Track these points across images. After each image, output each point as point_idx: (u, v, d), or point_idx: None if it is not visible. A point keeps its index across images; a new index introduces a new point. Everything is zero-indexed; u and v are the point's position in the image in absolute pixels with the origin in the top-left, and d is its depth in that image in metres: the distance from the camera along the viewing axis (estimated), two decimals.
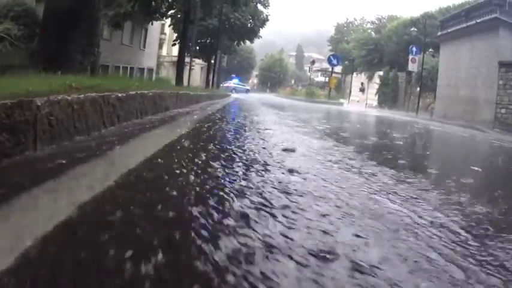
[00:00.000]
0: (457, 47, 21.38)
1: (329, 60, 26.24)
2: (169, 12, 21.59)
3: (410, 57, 26.17)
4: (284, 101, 20.82)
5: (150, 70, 30.68)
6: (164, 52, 44.04)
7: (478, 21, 19.30)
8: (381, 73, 38.50)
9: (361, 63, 43.58)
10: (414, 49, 26.24)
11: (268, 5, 30.69)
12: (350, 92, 44.41)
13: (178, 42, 30.15)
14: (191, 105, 7.41)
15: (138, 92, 3.66)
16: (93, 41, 5.64)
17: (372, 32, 45.36)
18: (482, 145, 7.60)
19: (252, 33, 30.42)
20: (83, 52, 5.28)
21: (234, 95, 24.89)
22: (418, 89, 26.57)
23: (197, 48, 31.09)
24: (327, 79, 59.19)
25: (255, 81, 66.96)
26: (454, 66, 21.42)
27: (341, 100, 44.29)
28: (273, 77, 59.12)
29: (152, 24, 24.43)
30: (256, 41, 41.81)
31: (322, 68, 59.77)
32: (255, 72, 68.51)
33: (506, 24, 17.72)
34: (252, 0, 23.31)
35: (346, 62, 44.98)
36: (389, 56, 38.80)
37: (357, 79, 46.26)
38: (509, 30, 17.70)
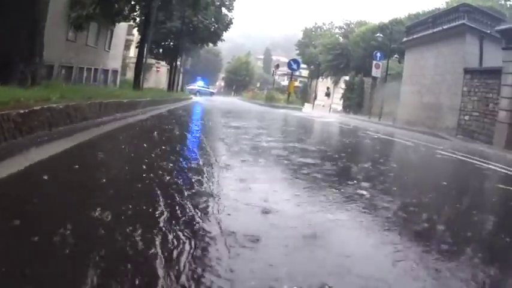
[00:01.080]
0: (423, 53, 21.13)
1: (289, 65, 25.62)
2: (133, 15, 20.94)
3: (374, 62, 25.88)
4: (243, 105, 20.08)
5: (115, 72, 30.06)
6: (132, 54, 42.42)
7: (445, 27, 19.04)
8: (347, 78, 38.33)
9: (327, 68, 43.37)
10: (378, 54, 25.98)
11: (233, 9, 30.02)
12: (315, 96, 44.08)
13: (138, 44, 29.00)
14: (130, 112, 6.46)
15: (45, 106, 3.69)
16: (35, 50, 5.58)
17: (340, 37, 45.28)
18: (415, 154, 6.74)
19: (215, 36, 29.68)
20: (24, 61, 5.29)
21: (196, 98, 23.99)
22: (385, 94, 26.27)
23: (160, 50, 29.97)
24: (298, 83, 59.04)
25: (222, 84, 65.89)
26: (418, 72, 21.15)
27: (305, 104, 43.96)
28: (239, 80, 58.23)
29: (119, 23, 23.04)
30: (225, 43, 40.91)
31: (288, 72, 59.53)
32: (221, 75, 67.48)
33: (473, 30, 17.50)
34: (212, 4, 22.31)
35: (312, 67, 44.66)
36: (356, 62, 38.72)
37: (323, 84, 46.05)
38: (476, 37, 17.48)
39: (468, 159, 5.92)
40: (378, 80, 27.96)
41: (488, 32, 17.15)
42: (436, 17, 20.41)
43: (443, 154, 6.24)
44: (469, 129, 16.19)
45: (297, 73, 65.51)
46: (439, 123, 18.21)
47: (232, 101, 27.08)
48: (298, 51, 51.07)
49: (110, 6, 17.69)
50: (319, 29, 50.81)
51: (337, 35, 46.31)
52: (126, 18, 20.71)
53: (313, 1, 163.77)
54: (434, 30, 19.89)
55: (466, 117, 16.54)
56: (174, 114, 9.45)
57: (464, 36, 17.64)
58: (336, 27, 48.42)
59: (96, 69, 25.27)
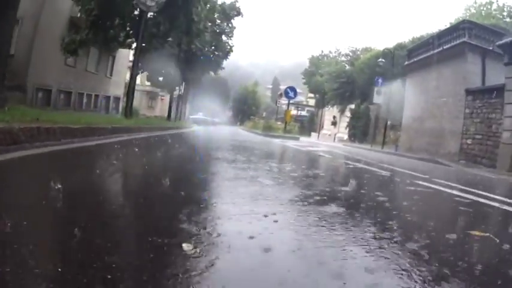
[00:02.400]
0: (424, 76, 20.06)
1: (285, 93, 24.68)
2: (128, 41, 20.37)
3: (376, 88, 24.82)
4: (238, 135, 19.05)
5: (118, 99, 29.77)
6: (138, 81, 42.49)
7: (446, 47, 17.99)
8: (353, 106, 37.30)
9: (333, 97, 42.44)
10: (380, 80, 24.98)
11: (232, 36, 29.63)
12: (320, 125, 43.03)
13: (138, 71, 28.83)
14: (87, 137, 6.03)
15: None
16: None
17: (346, 65, 44.56)
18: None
19: (215, 64, 29.19)
20: None
21: (196, 128, 23.34)
22: (389, 121, 25.10)
23: (160, 78, 29.71)
24: (300, 112, 58.20)
25: (229, 113, 65.58)
26: (420, 96, 20.00)
27: (312, 134, 42.83)
28: (246, 109, 57.73)
29: (116, 49, 22.78)
30: (235, 72, 40.29)
31: (295, 102, 58.82)
32: (230, 104, 67.31)
33: (475, 48, 16.44)
34: (205, 31, 21.89)
35: (317, 96, 43.85)
36: (362, 89, 37.72)
37: (330, 113, 45.06)
38: (478, 55, 16.42)
39: (448, 190, 4.64)
40: (381, 107, 26.82)
41: (491, 48, 16.02)
42: (436, 38, 19.42)
43: (418, 185, 4.87)
44: (472, 153, 14.85)
45: (304, 102, 65.16)
46: (441, 148, 16.89)
47: (232, 130, 26.25)
48: (304, 80, 50.51)
49: (102, 31, 17.33)
50: (325, 57, 50.30)
51: (343, 63, 45.58)
52: (122, 45, 20.24)
53: (323, 29, 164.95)
54: (435, 51, 18.86)
55: (469, 141, 15.22)
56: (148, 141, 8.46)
57: (465, 55, 16.56)
58: (342, 54, 47.79)
59: (96, 96, 25.07)
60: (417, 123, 19.61)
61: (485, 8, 35.68)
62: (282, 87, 73.27)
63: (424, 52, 20.19)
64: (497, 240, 2.24)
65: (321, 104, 45.72)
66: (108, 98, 27.29)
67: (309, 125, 48.12)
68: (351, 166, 7.52)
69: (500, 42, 14.09)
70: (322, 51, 50.93)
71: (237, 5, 29.55)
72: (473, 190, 4.94)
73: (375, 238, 2.03)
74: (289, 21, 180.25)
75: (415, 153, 17.71)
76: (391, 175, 6.30)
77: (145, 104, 46.13)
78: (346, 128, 37.38)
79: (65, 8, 17.81)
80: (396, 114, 22.93)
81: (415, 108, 20.30)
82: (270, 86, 73.46)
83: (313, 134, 45.28)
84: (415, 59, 21.12)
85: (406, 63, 22.44)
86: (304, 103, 60.01)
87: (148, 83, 35.65)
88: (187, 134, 14.60)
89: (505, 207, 3.75)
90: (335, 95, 42.09)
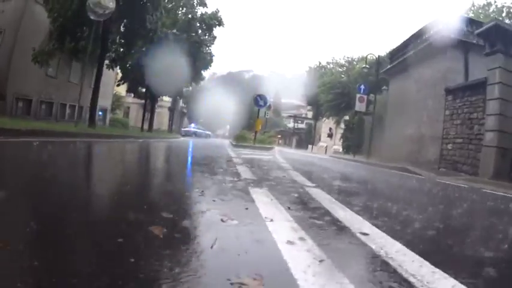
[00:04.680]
0: (405, 80, 17.87)
1: (255, 101, 22.55)
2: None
3: (358, 96, 22.61)
4: (210, 146, 17.12)
5: (105, 110, 29.56)
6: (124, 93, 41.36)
7: (425, 44, 15.77)
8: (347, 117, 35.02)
9: (328, 108, 40.15)
10: (362, 87, 22.80)
11: (210, 45, 27.96)
12: (313, 137, 40.77)
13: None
14: None
15: None
16: None
17: (342, 75, 42.30)
18: None
19: (194, 75, 27.47)
20: None
21: (182, 139, 21.55)
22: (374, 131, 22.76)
23: (143, 90, 28.11)
24: (298, 125, 55.97)
25: (228, 126, 63.76)
26: (401, 101, 17.78)
27: (308, 146, 40.52)
28: (243, 122, 55.54)
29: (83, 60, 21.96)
30: (237, 87, 38.54)
31: (295, 114, 56.73)
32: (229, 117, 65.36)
33: (455, 42, 14.14)
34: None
35: (309, 107, 41.66)
36: (355, 99, 35.44)
37: (326, 124, 42.78)
38: (460, 50, 14.15)
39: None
40: (364, 115, 24.54)
41: (475, 42, 13.73)
42: (415, 36, 17.19)
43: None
44: (452, 159, 12.51)
45: (303, 115, 62.85)
46: (421, 156, 14.56)
47: (212, 142, 24.23)
48: (303, 92, 48.30)
49: (71, 41, 16.85)
50: (323, 69, 48.06)
51: (341, 73, 43.31)
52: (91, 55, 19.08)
53: (324, 40, 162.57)
54: (414, 50, 16.63)
55: (449, 146, 12.89)
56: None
57: (446, 50, 14.30)
58: (339, 65, 45.50)
59: (81, 107, 24.47)
60: (398, 130, 17.33)
61: (483, 11, 33.30)
62: (284, 100, 71.45)
63: (404, 54, 17.99)
64: None
65: (317, 116, 43.47)
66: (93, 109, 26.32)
67: (307, 137, 45.81)
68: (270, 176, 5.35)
69: (480, 30, 11.85)
70: (320, 63, 48.67)
71: (219, 14, 27.83)
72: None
73: None
74: (293, 33, 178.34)
75: (396, 162, 15.38)
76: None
77: (141, 117, 44.94)
78: (339, 140, 35.02)
79: (44, 19, 17.02)
80: (380, 123, 20.65)
81: (396, 114, 18.06)
82: (271, 100, 71.33)
83: (311, 147, 42.99)
84: (395, 62, 18.92)
85: (388, 67, 20.27)
86: (303, 115, 57.73)
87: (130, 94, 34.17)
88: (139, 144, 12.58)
89: None
90: (330, 107, 39.83)
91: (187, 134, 39.17)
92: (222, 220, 2.10)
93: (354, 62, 42.29)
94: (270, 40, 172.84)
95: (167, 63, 25.71)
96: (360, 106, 22.49)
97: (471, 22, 15.13)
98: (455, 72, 14.00)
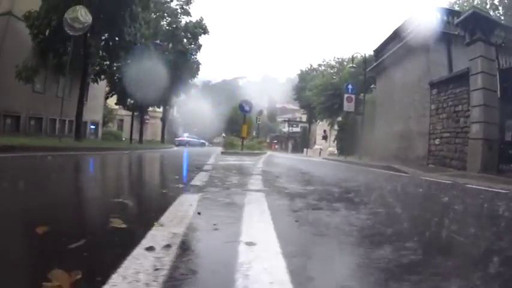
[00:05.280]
0: (391, 76, 17.42)
1: (240, 108, 22.13)
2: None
3: (346, 95, 22.15)
4: (197, 154, 16.71)
5: (96, 124, 29.32)
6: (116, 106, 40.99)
7: (407, 39, 15.32)
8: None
9: (321, 110, 39.70)
10: (350, 87, 22.34)
11: (196, 54, 27.73)
12: (308, 141, 40.26)
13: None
14: None
15: None
16: None
17: (334, 76, 41.90)
18: None
19: (182, 84, 27.14)
20: None
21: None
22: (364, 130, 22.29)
23: (132, 101, 27.73)
24: (292, 129, 55.47)
25: (223, 134, 63.25)
26: (388, 98, 17.35)
27: (304, 150, 40.05)
28: (238, 130, 55.11)
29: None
30: (232, 94, 38.06)
31: (289, 119, 56.31)
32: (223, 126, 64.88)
33: (436, 34, 13.70)
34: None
35: (304, 111, 41.24)
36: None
37: (320, 127, 42.31)
38: (443, 42, 13.68)
39: None
40: (356, 115, 24.08)
41: (457, 33, 13.27)
42: (398, 32, 16.76)
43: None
44: (440, 155, 12.02)
45: (298, 119, 62.34)
46: (411, 153, 14.07)
47: (203, 151, 23.72)
48: (295, 96, 47.94)
49: (54, 57, 16.73)
50: (315, 71, 47.71)
51: (332, 75, 42.91)
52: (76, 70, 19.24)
53: (314, 42, 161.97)
54: (397, 46, 16.19)
55: (436, 141, 12.41)
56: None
57: (428, 44, 13.83)
58: (330, 66, 45.12)
59: (71, 121, 23.97)
60: (387, 128, 16.85)
61: (468, 4, 32.92)
62: (279, 105, 71.11)
63: (388, 50, 17.54)
64: None
65: (311, 119, 42.98)
66: (85, 123, 25.98)
67: (302, 141, 45.29)
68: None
69: (459, 19, 11.43)
70: (311, 65, 48.30)
71: (203, 22, 27.57)
72: None
73: None
74: (285, 36, 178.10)
75: (387, 161, 14.88)
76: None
77: (136, 129, 44.67)
78: (333, 142, 34.54)
79: (27, 35, 16.85)
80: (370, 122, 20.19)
81: (384, 112, 17.59)
82: (266, 105, 71.07)
83: (307, 150, 42.46)
84: (380, 60, 18.49)
85: (373, 65, 19.84)
86: (298, 119, 57.20)
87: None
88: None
89: None
90: (323, 109, 39.39)
91: (181, 144, 38.75)
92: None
93: (345, 63, 41.94)
94: (261, 45, 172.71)
95: (152, 73, 25.38)
96: (348, 106, 22.02)
97: (452, 13, 14.70)
98: (439, 65, 13.55)
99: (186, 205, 2.65)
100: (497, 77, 10.24)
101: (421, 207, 3.80)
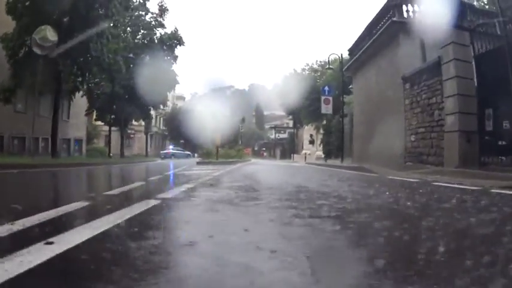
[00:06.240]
0: (365, 74, 16.62)
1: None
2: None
3: (323, 98, 21.27)
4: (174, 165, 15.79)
5: (80, 141, 28.89)
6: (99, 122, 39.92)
7: (378, 34, 14.49)
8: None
9: (307, 115, 38.85)
10: (326, 88, 21.51)
11: (175, 63, 26.93)
12: (296, 146, 39.30)
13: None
14: None
15: None
16: None
17: (318, 80, 41.04)
18: None
19: (158, 97, 26.27)
20: None
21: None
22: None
23: (111, 116, 26.74)
24: (279, 135, 54.52)
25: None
26: (364, 98, 16.50)
27: (292, 155, 39.08)
28: (230, 140, 54.10)
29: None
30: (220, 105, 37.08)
31: (276, 125, 55.41)
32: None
33: (405, 26, 12.81)
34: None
35: (290, 117, 40.36)
36: (335, 104, 34.14)
37: (307, 131, 41.41)
38: (409, 34, 12.75)
39: None
40: (341, 118, 23.14)
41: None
42: (369, 27, 15.91)
43: None
44: (417, 151, 11.09)
45: (285, 125, 61.42)
46: (388, 152, 13.09)
47: (183, 162, 22.69)
48: (280, 102, 46.93)
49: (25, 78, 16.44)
50: (299, 76, 46.73)
51: (316, 79, 42.03)
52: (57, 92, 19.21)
53: (300, 45, 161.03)
54: (369, 42, 15.34)
55: (412, 138, 11.49)
56: None
57: (398, 37, 13.01)
58: (312, 70, 44.25)
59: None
60: (365, 127, 15.94)
61: None
62: (266, 112, 70.19)
63: (362, 47, 16.69)
64: None
65: (297, 124, 42.07)
66: (68, 140, 26.47)
67: (290, 146, 44.29)
68: None
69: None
70: (295, 70, 47.32)
71: (178, 33, 26.68)
72: None
73: None
74: (271, 42, 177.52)
75: (366, 161, 13.97)
76: None
77: (123, 144, 43.63)
78: (319, 145, 33.62)
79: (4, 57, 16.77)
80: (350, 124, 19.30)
81: (361, 111, 16.72)
82: (254, 113, 70.07)
83: (295, 156, 41.47)
84: (354, 58, 17.65)
85: (348, 64, 19.01)
86: (285, 125, 56.21)
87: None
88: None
89: None
90: (308, 113, 38.58)
91: (166, 157, 37.68)
92: None
93: (332, 67, 40.98)
94: (248, 53, 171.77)
95: (128, 87, 24.49)
96: (326, 108, 21.14)
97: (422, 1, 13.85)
98: (412, 58, 12.63)
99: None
100: (473, 63, 9.33)
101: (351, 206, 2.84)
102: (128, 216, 2.32)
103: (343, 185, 5.58)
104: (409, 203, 3.36)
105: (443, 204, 3.28)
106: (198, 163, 17.49)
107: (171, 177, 7.82)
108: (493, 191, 4.25)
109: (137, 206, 2.81)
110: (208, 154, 21.50)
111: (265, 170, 12.51)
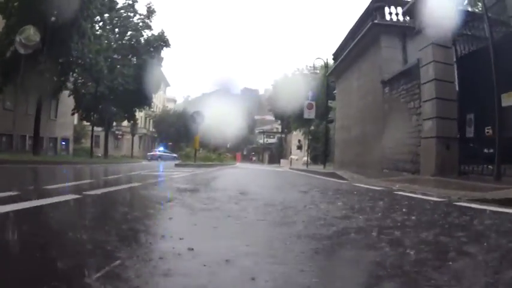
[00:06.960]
0: (348, 79, 16.05)
1: (192, 119, 20.60)
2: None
3: (306, 103, 20.67)
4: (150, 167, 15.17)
5: (66, 140, 29.32)
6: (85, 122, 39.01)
7: (359, 37, 13.89)
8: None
9: (295, 120, 38.20)
10: (310, 93, 20.92)
11: (160, 65, 26.32)
12: (284, 151, 38.65)
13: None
14: None
15: None
16: None
17: (308, 85, 40.43)
18: None
19: (143, 99, 25.57)
20: None
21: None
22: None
23: (95, 116, 25.88)
24: (268, 140, 53.85)
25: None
26: (346, 103, 15.93)
27: (281, 160, 38.42)
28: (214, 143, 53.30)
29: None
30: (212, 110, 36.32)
31: (264, 130, 54.76)
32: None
33: (390, 29, 12.24)
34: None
35: (279, 122, 39.69)
36: (320, 109, 33.59)
37: (295, 137, 40.80)
38: (396, 37, 12.22)
39: None
40: (328, 123, 22.58)
41: (411, 25, 11.77)
42: (353, 30, 15.32)
43: None
44: (394, 158, 10.44)
45: (274, 129, 60.76)
46: (367, 158, 12.48)
47: (164, 165, 21.90)
48: (269, 107, 46.34)
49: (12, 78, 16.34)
50: (289, 80, 46.11)
51: (305, 83, 41.40)
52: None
53: (295, 50, 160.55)
54: (351, 45, 14.76)
55: (390, 144, 10.81)
56: None
57: (379, 39, 12.41)
58: (302, 74, 43.65)
59: (41, 138, 23.66)
60: (345, 133, 15.34)
61: None
62: (257, 117, 69.46)
63: (344, 51, 16.10)
64: None
65: (285, 129, 41.44)
66: (55, 139, 26.71)
67: (278, 151, 43.65)
68: None
69: (405, 7, 9.97)
70: (285, 74, 46.70)
71: (164, 35, 26.06)
72: None
73: None
74: (265, 46, 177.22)
75: (346, 167, 13.28)
76: None
77: (112, 145, 42.66)
78: (306, 151, 32.95)
79: None
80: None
81: (343, 116, 16.11)
82: (245, 117, 69.08)
83: (282, 161, 40.79)
84: (336, 63, 17.07)
85: (331, 69, 18.43)
86: (275, 130, 55.53)
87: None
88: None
89: None
90: (297, 118, 37.91)
91: (153, 158, 36.84)
92: None
93: (317, 71, 40.59)
94: (241, 57, 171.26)
95: (113, 88, 23.71)
96: (308, 113, 20.50)
97: (405, 4, 13.31)
98: (393, 62, 12.06)
99: None
100: (455, 66, 8.70)
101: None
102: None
103: (295, 192, 4.90)
104: (336, 212, 2.74)
105: (374, 215, 2.67)
106: (176, 165, 16.77)
107: (125, 178, 7.13)
108: (457, 203, 3.58)
109: (49, 200, 2.89)
110: (187, 156, 20.79)
111: (236, 173, 11.80)
